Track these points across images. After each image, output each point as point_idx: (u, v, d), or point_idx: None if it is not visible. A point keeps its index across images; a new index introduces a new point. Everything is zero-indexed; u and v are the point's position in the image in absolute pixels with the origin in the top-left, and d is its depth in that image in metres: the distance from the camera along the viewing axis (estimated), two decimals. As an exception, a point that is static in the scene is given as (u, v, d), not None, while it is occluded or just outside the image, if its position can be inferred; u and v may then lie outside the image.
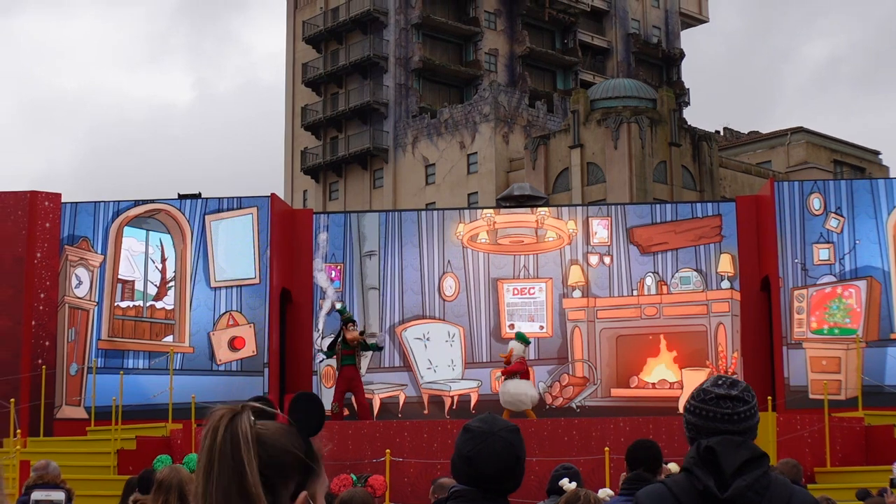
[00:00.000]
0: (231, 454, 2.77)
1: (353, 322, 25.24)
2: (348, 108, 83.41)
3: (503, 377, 25.15)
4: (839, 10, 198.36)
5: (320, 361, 27.75)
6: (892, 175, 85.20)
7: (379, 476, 11.71)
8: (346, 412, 24.96)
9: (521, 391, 24.70)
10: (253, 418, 2.84)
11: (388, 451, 20.23)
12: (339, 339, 24.82)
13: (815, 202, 27.46)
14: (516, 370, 24.81)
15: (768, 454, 4.63)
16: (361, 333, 25.33)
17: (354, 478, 11.18)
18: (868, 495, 13.51)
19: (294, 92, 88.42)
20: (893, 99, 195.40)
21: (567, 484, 9.29)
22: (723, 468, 4.42)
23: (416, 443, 22.14)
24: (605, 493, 11.45)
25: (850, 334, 26.82)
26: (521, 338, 25.40)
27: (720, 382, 4.67)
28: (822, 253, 27.29)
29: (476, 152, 76.87)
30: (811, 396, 26.11)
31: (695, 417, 4.66)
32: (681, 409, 27.84)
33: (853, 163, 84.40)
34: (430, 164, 79.33)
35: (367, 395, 26.06)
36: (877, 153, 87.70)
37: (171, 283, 27.96)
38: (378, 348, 25.88)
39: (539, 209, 30.84)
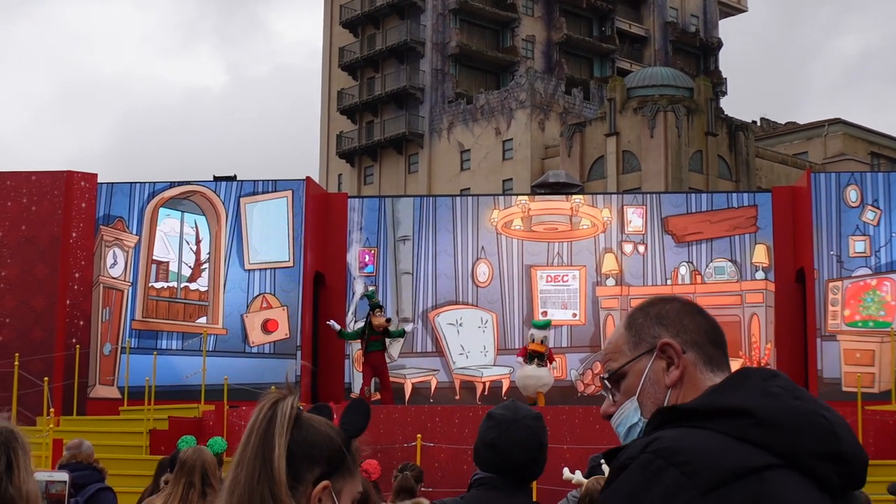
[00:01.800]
0: (266, 428, 2.96)
1: (381, 307, 25.26)
2: (384, 93, 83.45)
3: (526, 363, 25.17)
4: (872, 4, 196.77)
5: (362, 347, 27.74)
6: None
7: (372, 460, 11.70)
8: (375, 396, 25.00)
9: (524, 374, 24.74)
10: (298, 403, 3.04)
11: (419, 435, 20.27)
12: (366, 325, 24.86)
13: (852, 194, 27.31)
14: (521, 355, 24.99)
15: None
16: (388, 320, 25.35)
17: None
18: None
19: (330, 76, 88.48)
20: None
21: (570, 474, 9.26)
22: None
23: (447, 428, 22.14)
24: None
25: (884, 327, 26.68)
26: (536, 324, 25.49)
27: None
28: (857, 245, 27.14)
29: (511, 139, 76.82)
30: (844, 389, 25.99)
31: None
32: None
33: (891, 155, 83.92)
34: (465, 149, 79.30)
35: (399, 380, 26.11)
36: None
37: (206, 265, 28.03)
38: (402, 334, 25.82)
39: (574, 197, 30.78)
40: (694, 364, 3.04)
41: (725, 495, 2.60)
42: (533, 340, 24.86)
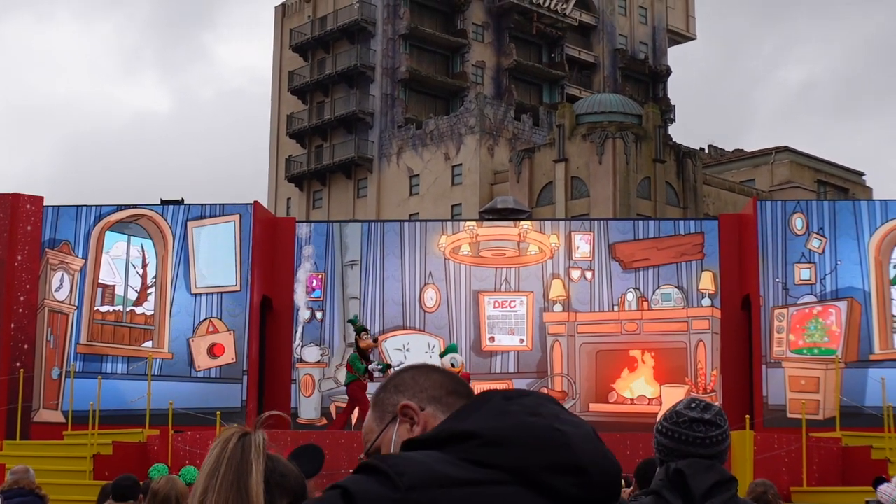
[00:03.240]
0: (240, 457, 3.07)
1: (366, 330, 25.15)
2: (334, 117, 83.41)
3: None
4: (815, 37, 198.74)
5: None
6: (875, 196, 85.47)
7: None
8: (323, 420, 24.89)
9: None
10: (265, 437, 3.18)
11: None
12: (356, 351, 24.71)
13: (798, 222, 27.51)
14: None
15: (737, 478, 4.63)
16: (375, 340, 25.31)
17: None
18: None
19: (280, 100, 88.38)
20: (865, 125, 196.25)
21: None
22: (692, 491, 4.42)
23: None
24: None
25: (829, 354, 26.86)
26: (452, 349, 25.17)
27: (693, 405, 4.67)
28: (803, 273, 27.33)
29: (461, 164, 76.90)
30: (789, 416, 26.13)
31: (666, 440, 4.65)
32: (659, 426, 27.88)
33: (837, 183, 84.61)
34: (414, 174, 79.33)
35: (341, 405, 26.03)
36: (860, 174, 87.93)
37: (152, 289, 27.89)
38: (387, 366, 25.39)
39: (522, 223, 30.85)
40: (434, 416, 3.01)
41: (434, 499, 2.60)
42: (454, 366, 24.43)
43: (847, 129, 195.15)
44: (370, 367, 24.43)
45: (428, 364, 3.19)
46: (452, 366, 23.88)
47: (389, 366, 25.29)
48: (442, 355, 24.87)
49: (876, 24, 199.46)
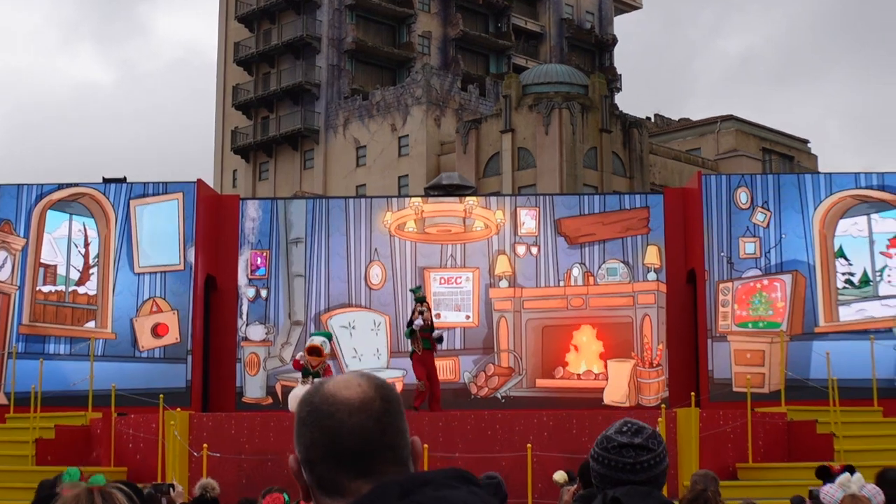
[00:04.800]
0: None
1: (424, 301, 24.79)
2: (280, 89, 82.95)
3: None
4: (757, 6, 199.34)
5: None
6: (820, 164, 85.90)
7: (277, 495, 11.52)
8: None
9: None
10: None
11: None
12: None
13: (743, 196, 27.55)
14: (298, 368, 23.22)
15: (674, 504, 4.53)
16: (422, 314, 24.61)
17: (287, 497, 10.99)
18: (803, 502, 13.48)
19: (226, 71, 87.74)
20: (807, 94, 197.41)
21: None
22: (630, 520, 4.29)
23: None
24: (560, 475, 11.46)
25: (774, 328, 26.97)
26: (324, 334, 24.49)
27: (625, 429, 4.53)
28: (748, 247, 27.39)
29: (407, 135, 76.68)
30: (735, 389, 26.23)
31: (599, 466, 4.52)
32: (606, 401, 27.94)
33: (782, 151, 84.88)
34: (361, 146, 79.05)
35: (291, 384, 25.79)
36: (805, 142, 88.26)
37: (94, 269, 27.61)
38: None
39: (467, 199, 30.78)
40: (313, 487, 2.66)
41: None
42: (324, 348, 23.07)
43: (789, 98, 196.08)
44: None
45: (318, 404, 2.68)
46: (323, 347, 22.82)
47: (419, 291, 25.25)
48: (314, 335, 24.38)
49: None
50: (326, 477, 2.62)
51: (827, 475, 10.48)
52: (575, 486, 7.74)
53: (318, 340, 23.19)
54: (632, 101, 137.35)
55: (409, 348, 24.72)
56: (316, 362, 22.23)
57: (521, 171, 68.80)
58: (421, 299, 24.64)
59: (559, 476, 11.36)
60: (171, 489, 12.32)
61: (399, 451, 2.67)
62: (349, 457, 2.61)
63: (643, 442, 4.48)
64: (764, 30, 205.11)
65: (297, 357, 23.31)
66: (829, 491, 8.60)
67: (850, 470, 10.54)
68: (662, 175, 74.28)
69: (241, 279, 28.54)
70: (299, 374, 23.39)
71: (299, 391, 23.07)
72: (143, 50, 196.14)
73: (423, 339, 24.11)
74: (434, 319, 24.98)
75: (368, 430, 2.62)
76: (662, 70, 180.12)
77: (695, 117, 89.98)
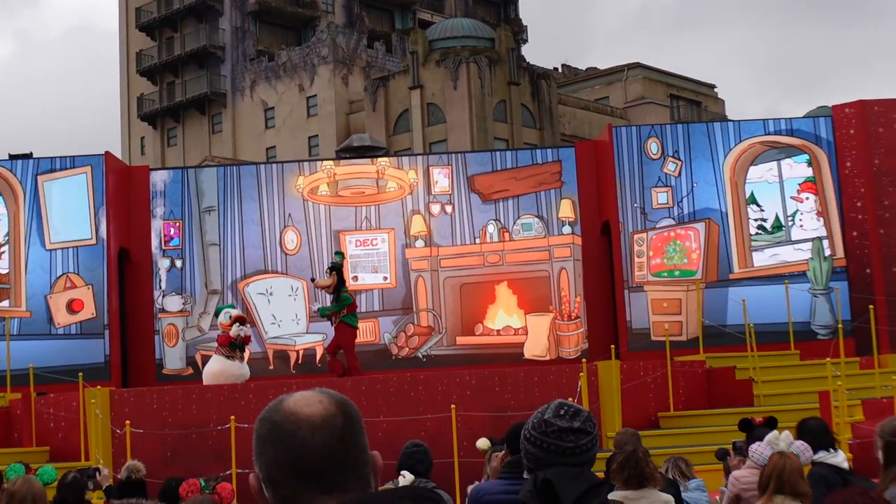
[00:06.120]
0: None
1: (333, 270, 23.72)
2: (184, 53, 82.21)
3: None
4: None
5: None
6: (727, 108, 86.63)
7: (227, 484, 11.48)
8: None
9: (231, 372, 22.91)
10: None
11: (232, 417, 19.87)
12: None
13: (653, 146, 27.69)
14: (224, 344, 22.90)
15: (607, 482, 4.54)
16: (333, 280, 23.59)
17: (203, 483, 10.95)
18: (727, 455, 13.66)
19: (128, 38, 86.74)
20: (710, 38, 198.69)
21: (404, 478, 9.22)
22: (561, 500, 4.29)
23: (262, 405, 21.76)
24: (483, 442, 11.53)
25: (690, 276, 27.19)
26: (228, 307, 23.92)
27: (562, 413, 4.50)
28: (660, 197, 27.55)
29: (315, 95, 76.34)
30: (653, 338, 26.44)
31: (535, 448, 4.49)
32: (526, 355, 28.04)
33: (689, 97, 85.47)
34: (269, 107, 78.59)
35: (209, 353, 25.46)
36: (712, 87, 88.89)
37: (5, 247, 27.24)
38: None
39: (379, 160, 30.65)
40: None
41: None
42: (230, 317, 22.90)
43: (691, 44, 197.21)
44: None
45: (279, 421, 2.68)
46: (230, 318, 22.70)
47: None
48: (216, 313, 24.12)
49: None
50: (289, 495, 2.60)
51: (749, 427, 10.64)
52: (503, 451, 7.76)
53: (234, 312, 23.18)
54: (538, 52, 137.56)
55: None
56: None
57: (432, 126, 68.73)
58: (334, 266, 23.91)
59: (482, 443, 11.45)
60: (98, 473, 12.22)
61: (361, 468, 2.65)
62: (312, 474, 2.59)
63: (581, 425, 4.47)
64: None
65: (231, 333, 22.83)
66: (758, 448, 8.71)
67: (772, 423, 10.69)
68: (572, 125, 74.56)
69: (156, 251, 28.29)
70: (216, 345, 23.27)
71: (215, 365, 23.00)
72: (38, 19, 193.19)
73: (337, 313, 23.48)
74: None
75: (331, 447, 2.61)
76: (566, 20, 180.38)
77: (601, 66, 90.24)
